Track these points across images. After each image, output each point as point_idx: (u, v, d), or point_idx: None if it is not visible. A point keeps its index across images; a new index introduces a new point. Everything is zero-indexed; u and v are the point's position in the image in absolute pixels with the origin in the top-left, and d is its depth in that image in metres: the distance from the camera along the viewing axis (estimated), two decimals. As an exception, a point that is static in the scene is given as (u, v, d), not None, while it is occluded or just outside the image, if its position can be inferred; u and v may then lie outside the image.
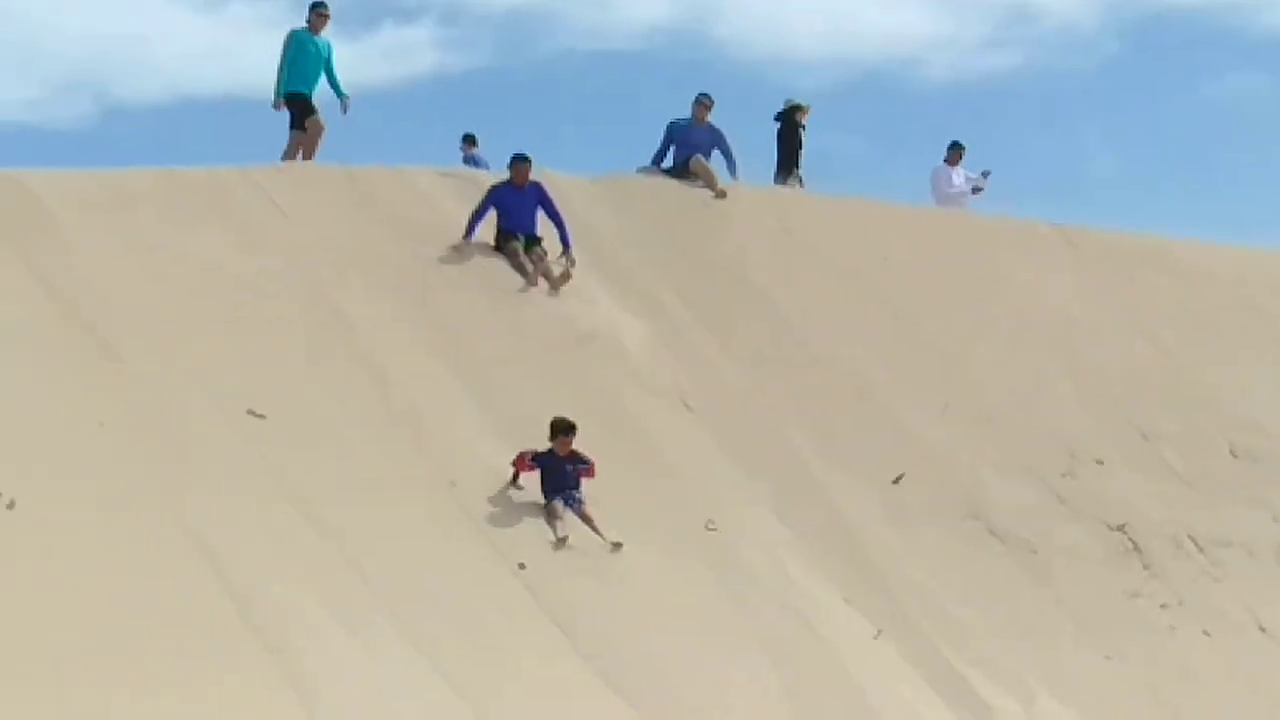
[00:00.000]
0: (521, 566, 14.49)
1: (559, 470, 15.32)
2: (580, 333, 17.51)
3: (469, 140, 25.35)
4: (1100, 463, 18.04)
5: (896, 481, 16.81)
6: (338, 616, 13.67)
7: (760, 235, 19.73)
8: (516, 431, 15.85)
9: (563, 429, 15.38)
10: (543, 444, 15.39)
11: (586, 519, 15.16)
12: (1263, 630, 16.56)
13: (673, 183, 20.23)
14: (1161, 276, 20.93)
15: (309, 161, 19.29)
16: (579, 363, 17.06)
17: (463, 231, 18.12)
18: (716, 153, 20.82)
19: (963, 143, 23.81)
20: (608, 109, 51.97)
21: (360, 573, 14.14)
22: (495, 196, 18.26)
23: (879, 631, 15.17)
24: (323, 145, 19.70)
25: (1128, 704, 15.41)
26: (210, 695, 12.30)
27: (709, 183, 20.37)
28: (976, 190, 23.49)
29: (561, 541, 14.82)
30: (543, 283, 17.88)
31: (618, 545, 14.93)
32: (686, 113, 20.99)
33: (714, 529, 15.57)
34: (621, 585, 14.70)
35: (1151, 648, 16.14)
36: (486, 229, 18.35)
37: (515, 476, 15.40)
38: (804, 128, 22.51)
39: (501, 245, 18.20)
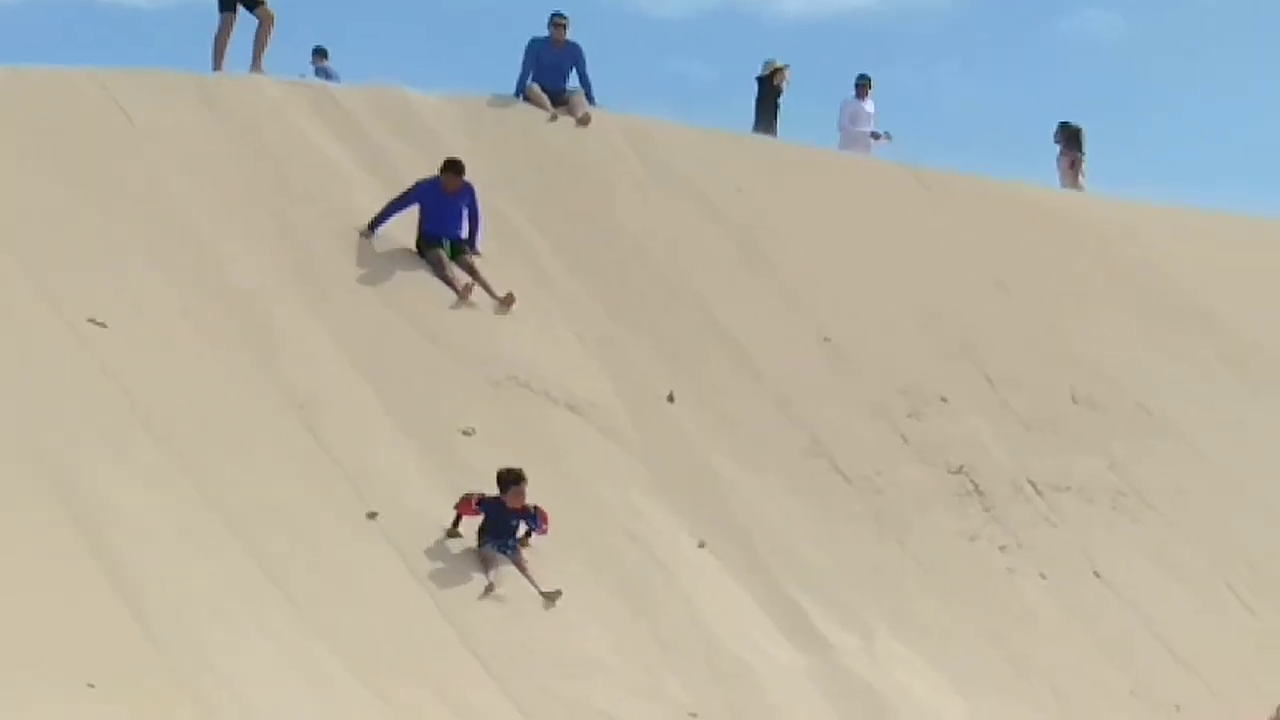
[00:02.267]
0: (372, 516, 14.54)
1: (504, 521, 14.72)
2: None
3: (319, 53, 25.15)
4: (945, 402, 18.37)
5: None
6: (171, 520, 13.72)
7: (617, 163, 19.81)
8: (366, 343, 15.96)
9: (513, 479, 14.70)
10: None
11: (521, 566, 14.64)
12: (1097, 575, 17.04)
13: (529, 106, 20.23)
14: (1013, 220, 21.35)
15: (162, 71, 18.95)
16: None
17: (370, 221, 17.39)
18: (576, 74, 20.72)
19: (869, 75, 24.18)
20: (468, 28, 51.67)
21: (198, 484, 14.17)
22: (421, 194, 17.55)
23: (702, 543, 15.45)
24: (273, 36, 19.16)
25: (967, 644, 15.84)
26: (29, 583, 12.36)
27: (569, 109, 20.33)
28: (877, 137, 23.80)
29: (489, 590, 14.30)
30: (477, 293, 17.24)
31: (552, 596, 14.42)
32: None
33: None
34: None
35: (990, 590, 16.56)
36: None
37: (456, 521, 14.75)
38: (782, 90, 22.96)
39: (423, 250, 17.48)
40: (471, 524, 14.70)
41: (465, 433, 15.69)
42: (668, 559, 15.37)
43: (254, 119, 18.18)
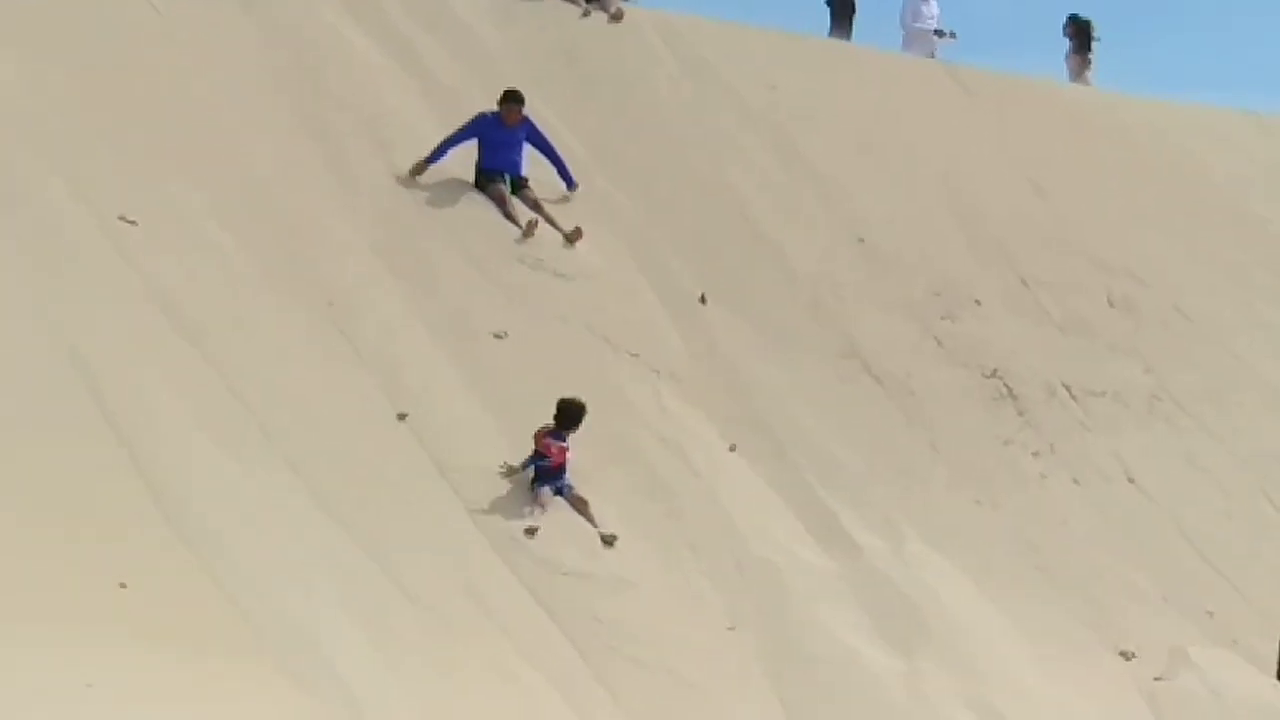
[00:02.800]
0: (402, 417, 14.54)
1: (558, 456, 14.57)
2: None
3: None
4: (979, 304, 18.28)
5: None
6: (204, 426, 13.73)
7: (651, 60, 19.64)
8: (399, 244, 15.91)
9: (574, 420, 14.59)
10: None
11: (579, 507, 14.47)
12: (1131, 480, 17.01)
13: (561, 1, 20.03)
14: (1049, 121, 21.16)
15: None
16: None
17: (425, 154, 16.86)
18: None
19: None
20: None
21: (231, 388, 14.18)
22: (479, 127, 17.01)
23: (733, 446, 15.44)
24: None
25: (996, 549, 15.84)
26: (72, 500, 12.40)
27: (602, 5, 20.12)
28: (941, 35, 23.34)
29: (530, 532, 14.11)
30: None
31: (610, 540, 14.31)
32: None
33: None
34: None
35: (1022, 494, 16.55)
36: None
37: (534, 458, 14.55)
38: None
39: (483, 185, 16.98)
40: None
41: (497, 336, 15.66)
42: (699, 462, 15.35)
43: (283, 10, 18.04)
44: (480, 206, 16.85)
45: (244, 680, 11.84)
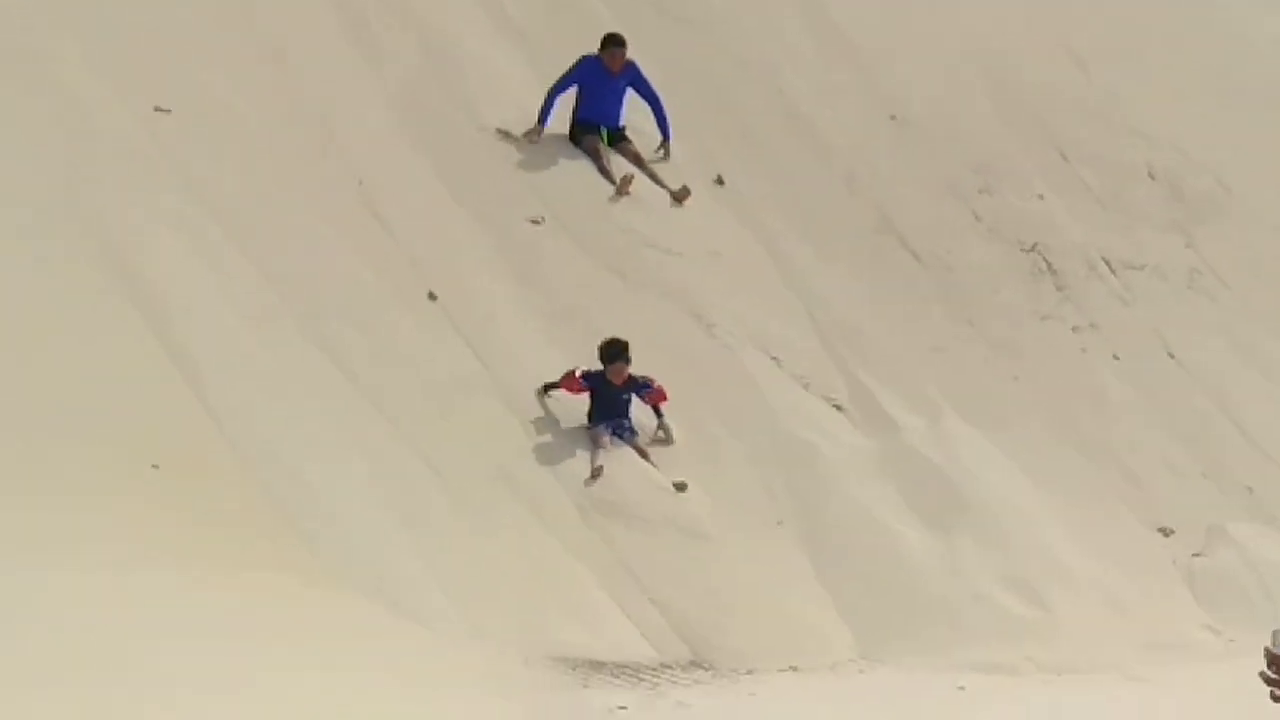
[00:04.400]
0: (432, 297, 14.56)
1: (612, 398, 14.19)
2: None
3: None
4: (1017, 178, 18.18)
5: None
6: (233, 303, 13.82)
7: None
8: (423, 122, 15.87)
9: (613, 355, 14.14)
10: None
11: (642, 453, 14.19)
12: (1171, 356, 16.96)
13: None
14: (1092, -8, 20.90)
15: None
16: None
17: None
18: None
19: None
20: None
21: (258, 263, 14.25)
22: (582, 73, 16.34)
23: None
24: None
25: (1036, 425, 15.88)
26: (102, 383, 12.54)
27: None
28: None
29: (596, 472, 13.83)
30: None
31: (681, 485, 14.04)
32: None
33: None
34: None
35: (1061, 370, 16.54)
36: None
37: (550, 387, 14.27)
38: None
39: (578, 138, 16.39)
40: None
41: (534, 221, 15.62)
42: (733, 341, 15.37)
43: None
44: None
45: (270, 554, 11.98)
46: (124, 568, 11.01)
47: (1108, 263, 17.83)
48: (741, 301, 15.92)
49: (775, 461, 14.49)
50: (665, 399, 14.32)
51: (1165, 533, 15.13)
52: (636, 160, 16.43)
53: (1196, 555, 14.94)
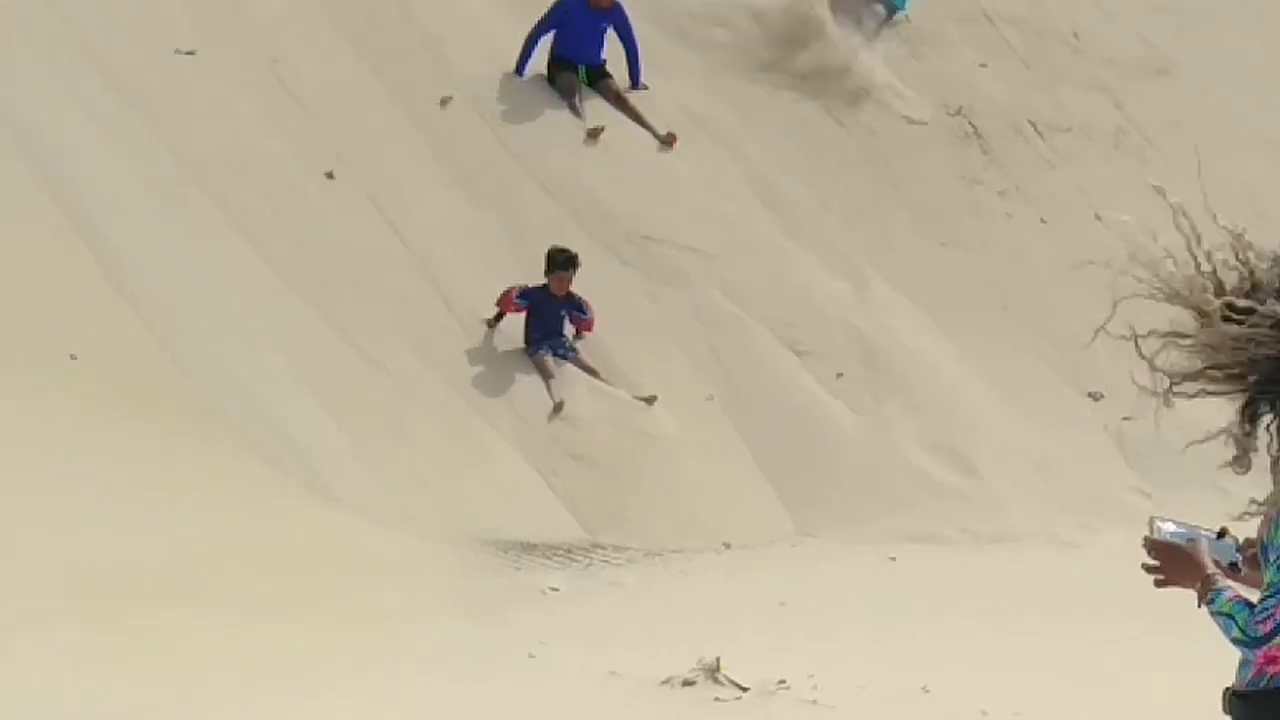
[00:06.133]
0: (330, 176, 14.41)
1: (550, 312, 13.80)
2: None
3: None
4: (943, 39, 18.07)
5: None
6: (145, 183, 13.68)
7: None
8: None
9: (562, 263, 13.73)
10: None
11: (590, 371, 13.83)
12: (1098, 218, 16.91)
13: None
14: None
15: None
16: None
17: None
18: None
19: None
20: None
21: (172, 145, 14.09)
22: (564, 12, 15.75)
23: None
24: None
25: (960, 288, 15.88)
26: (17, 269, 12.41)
27: None
28: None
29: (558, 407, 13.48)
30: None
31: (650, 399, 13.71)
32: None
33: None
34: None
35: (987, 234, 16.55)
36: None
37: (497, 318, 13.87)
38: None
39: (554, 76, 15.81)
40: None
41: (444, 101, 15.39)
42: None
43: None
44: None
45: (194, 444, 11.90)
46: (45, 463, 10.92)
47: (1033, 124, 17.78)
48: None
49: (701, 335, 14.46)
50: (592, 330, 14.01)
51: (1095, 397, 15.21)
52: (618, 100, 15.95)
53: (1126, 419, 15.00)
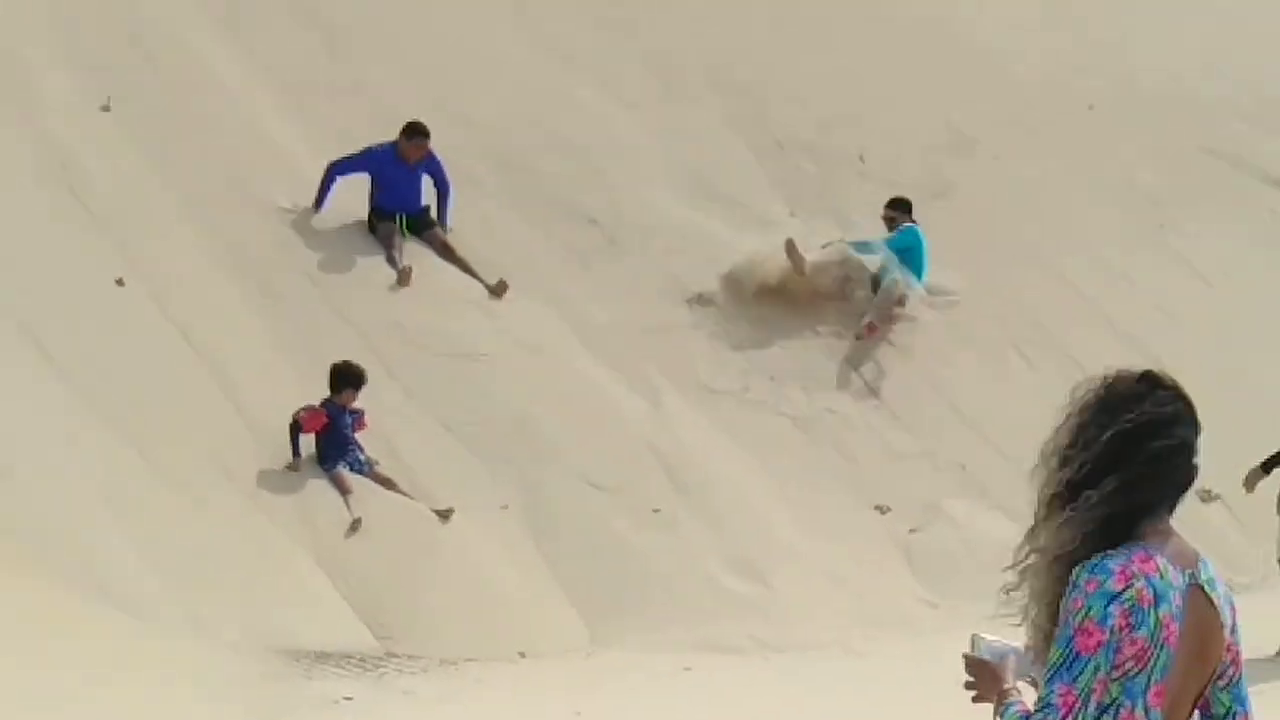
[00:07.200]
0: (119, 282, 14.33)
1: (343, 425, 13.72)
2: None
3: None
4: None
5: None
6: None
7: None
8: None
9: (356, 379, 13.75)
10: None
11: (388, 483, 13.76)
12: (891, 344, 17.18)
13: None
14: None
15: None
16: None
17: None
18: None
19: None
20: None
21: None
22: (372, 162, 15.75)
23: None
24: None
25: (750, 403, 15.99)
26: None
27: None
28: None
29: (355, 525, 13.33)
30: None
31: (446, 513, 13.66)
32: None
33: None
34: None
35: (777, 348, 16.67)
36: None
37: (295, 442, 13.57)
38: None
39: (374, 226, 15.81)
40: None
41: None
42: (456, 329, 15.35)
43: None
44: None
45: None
46: None
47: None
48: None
49: (498, 446, 14.52)
50: (365, 427, 13.93)
51: (882, 510, 15.46)
52: (445, 250, 15.94)
53: (913, 531, 15.29)
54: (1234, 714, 4.79)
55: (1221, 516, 15.97)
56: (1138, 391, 4.70)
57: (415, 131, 15.79)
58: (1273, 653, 12.96)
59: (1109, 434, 4.67)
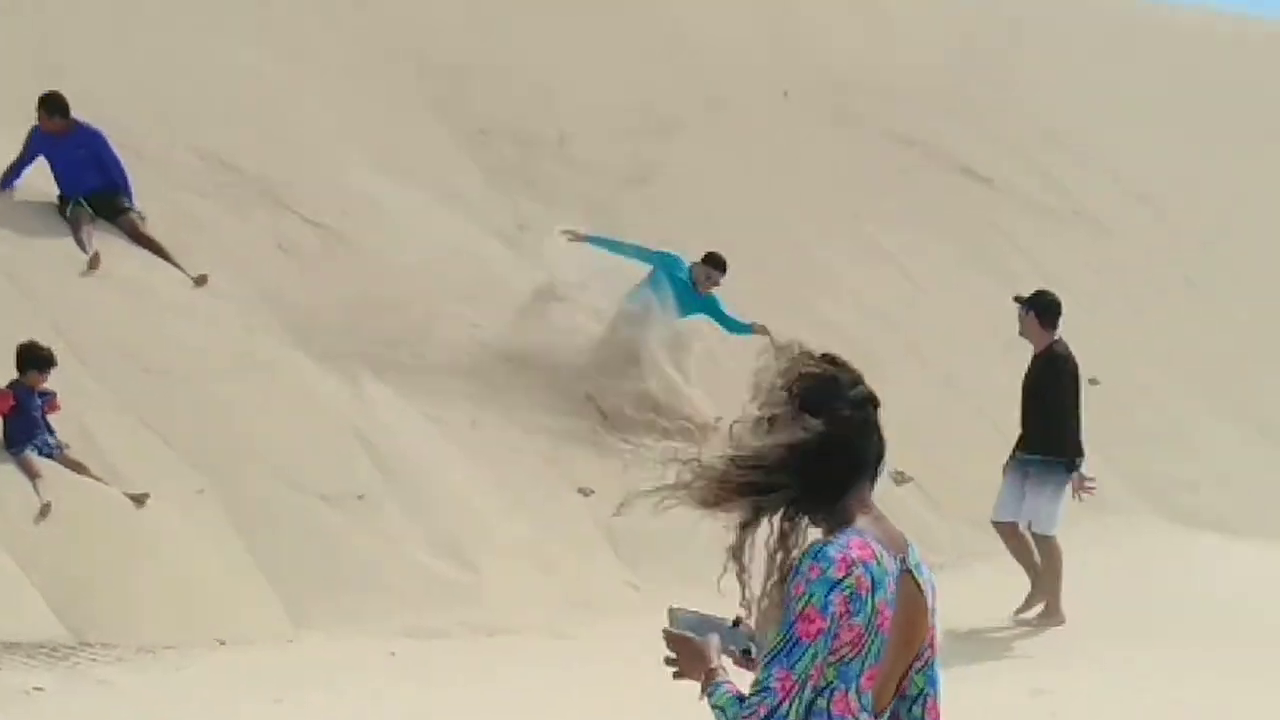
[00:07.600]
0: None
1: (32, 409, 13.18)
2: None
3: None
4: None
5: None
6: None
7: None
8: None
9: (40, 362, 13.25)
10: None
11: (79, 467, 13.26)
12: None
13: None
14: None
15: None
16: None
17: None
18: None
19: None
20: None
21: None
22: (35, 145, 15.14)
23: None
24: None
25: (452, 386, 15.87)
26: None
27: None
28: None
29: (44, 510, 12.80)
30: None
31: (140, 498, 13.18)
32: None
33: None
34: None
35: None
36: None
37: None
38: None
39: (60, 208, 15.23)
40: None
41: None
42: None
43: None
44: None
45: None
46: None
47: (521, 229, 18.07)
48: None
49: (193, 430, 14.19)
50: (58, 409, 13.45)
51: (585, 493, 15.47)
52: (136, 237, 15.34)
53: (615, 515, 15.31)
54: (925, 695, 4.87)
55: (915, 497, 16.34)
56: (825, 371, 4.77)
57: (44, 105, 15.00)
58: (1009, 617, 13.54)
59: (798, 406, 4.74)
